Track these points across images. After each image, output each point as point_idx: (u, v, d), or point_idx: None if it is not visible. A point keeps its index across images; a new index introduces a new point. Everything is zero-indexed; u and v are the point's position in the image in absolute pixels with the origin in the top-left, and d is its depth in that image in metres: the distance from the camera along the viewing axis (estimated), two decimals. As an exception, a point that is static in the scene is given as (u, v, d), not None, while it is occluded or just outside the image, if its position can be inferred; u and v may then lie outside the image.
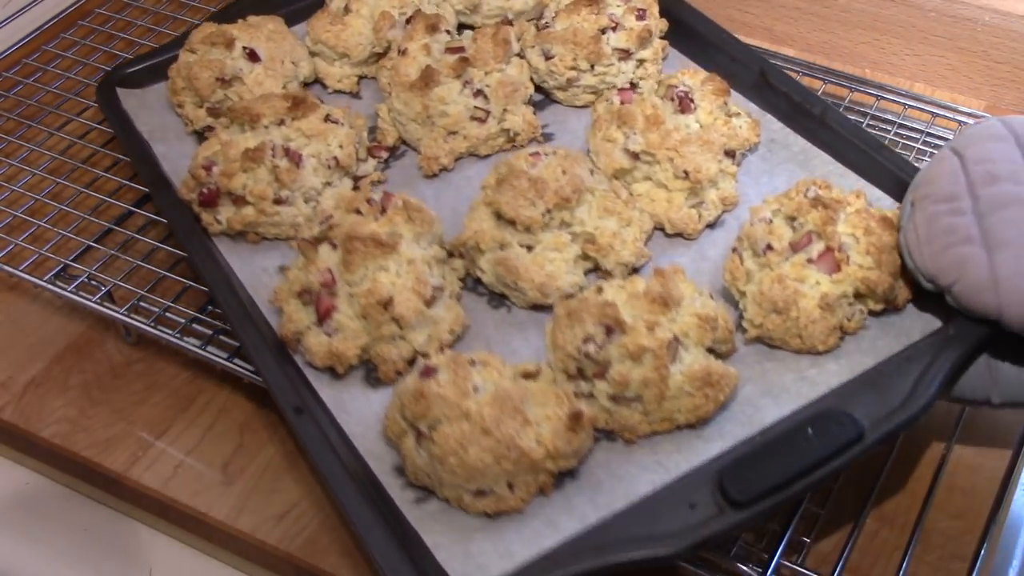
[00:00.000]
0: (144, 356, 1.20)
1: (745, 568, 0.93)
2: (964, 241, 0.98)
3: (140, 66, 1.37)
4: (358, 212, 1.09)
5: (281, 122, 1.20)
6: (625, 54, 1.26)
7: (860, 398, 0.94)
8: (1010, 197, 0.98)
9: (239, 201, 1.17)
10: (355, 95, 1.35)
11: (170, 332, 1.14)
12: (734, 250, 1.05)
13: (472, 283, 1.12)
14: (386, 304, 1.02)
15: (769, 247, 1.01)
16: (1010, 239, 0.97)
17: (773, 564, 0.93)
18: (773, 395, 0.98)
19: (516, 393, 0.93)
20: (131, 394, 1.17)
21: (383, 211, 1.09)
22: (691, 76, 1.18)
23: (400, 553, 0.89)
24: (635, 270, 1.10)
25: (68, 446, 1.12)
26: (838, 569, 0.95)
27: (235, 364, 1.10)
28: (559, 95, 1.29)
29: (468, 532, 0.93)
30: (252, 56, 1.30)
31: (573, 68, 1.26)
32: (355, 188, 1.22)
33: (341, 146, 1.20)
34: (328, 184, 1.19)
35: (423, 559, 0.90)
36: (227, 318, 1.08)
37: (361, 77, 1.36)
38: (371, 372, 1.06)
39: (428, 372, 0.96)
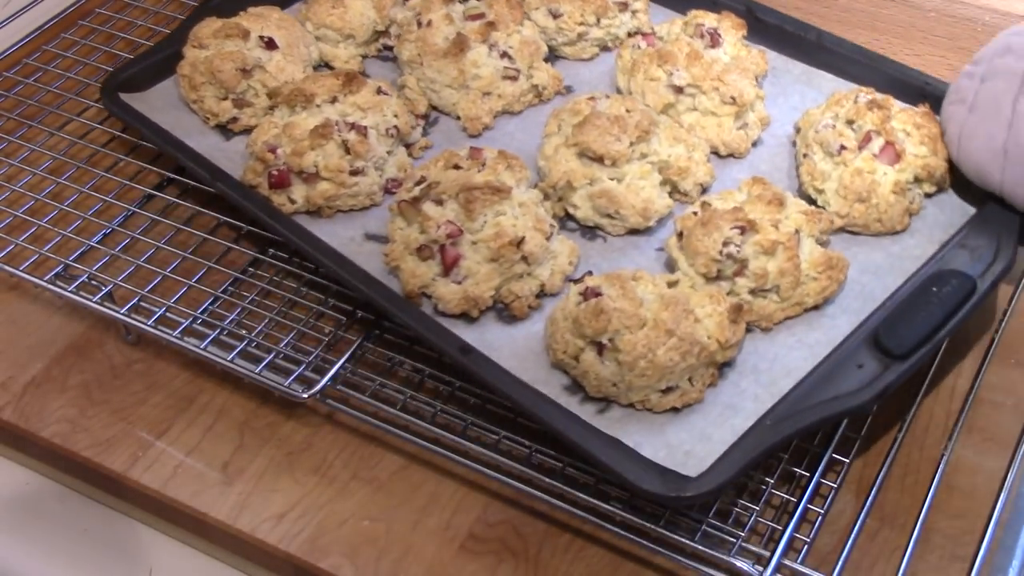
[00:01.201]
0: (144, 356, 1.20)
1: (745, 567, 0.97)
2: (959, 100, 1.15)
3: (138, 68, 1.37)
4: (456, 168, 1.16)
5: (334, 99, 1.24)
6: (623, 6, 1.38)
7: (956, 260, 1.10)
8: (1004, 69, 1.12)
9: (311, 178, 1.20)
10: (363, 74, 1.40)
11: (170, 332, 1.15)
12: (804, 155, 1.19)
13: (560, 221, 1.20)
14: (518, 243, 1.10)
15: (843, 147, 1.15)
16: (981, 104, 1.12)
17: (773, 562, 0.96)
18: (872, 272, 1.13)
19: (680, 297, 1.04)
20: (131, 394, 1.17)
21: (483, 164, 1.16)
22: (705, 16, 1.30)
23: (620, 455, 0.98)
24: (704, 189, 1.22)
25: (68, 446, 1.12)
26: (837, 569, 0.97)
27: (235, 364, 1.12)
28: (566, 51, 1.39)
29: (658, 427, 1.02)
30: (270, 44, 1.33)
31: (582, 23, 1.36)
32: (409, 155, 1.28)
33: (396, 115, 1.26)
34: (390, 152, 1.25)
35: (631, 458, 0.99)
36: (351, 284, 1.12)
37: (363, 56, 1.41)
38: (501, 311, 1.12)
39: (592, 292, 1.04)
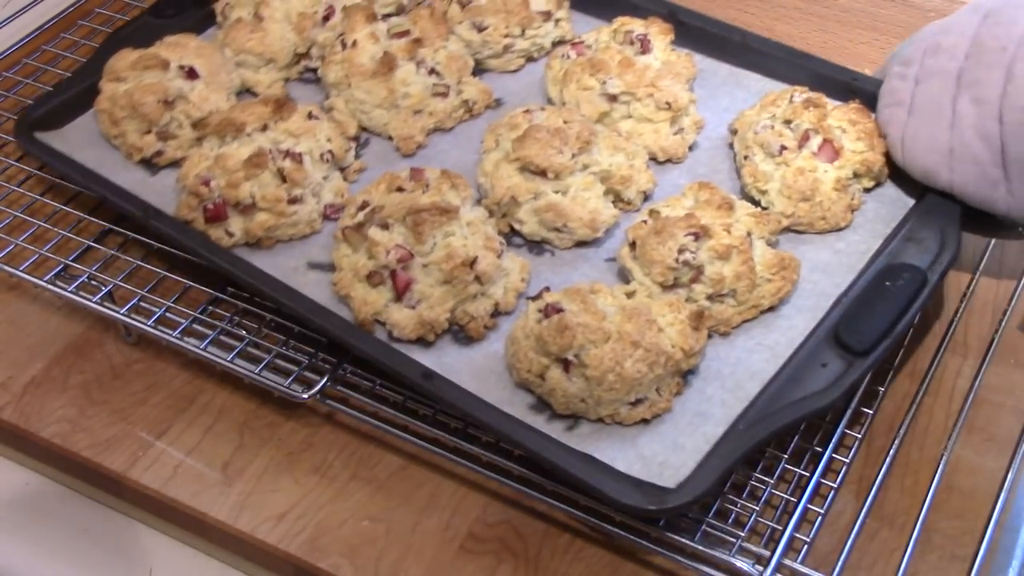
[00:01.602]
0: (144, 356, 1.20)
1: (746, 567, 0.97)
2: (896, 103, 1.17)
3: (52, 105, 1.32)
4: (399, 190, 1.14)
5: (264, 127, 1.21)
6: (547, 16, 1.37)
7: (904, 254, 1.11)
8: (938, 70, 1.14)
9: (248, 210, 1.18)
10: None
11: (170, 332, 1.15)
12: (745, 157, 1.19)
13: (506, 238, 1.19)
14: (471, 264, 1.08)
15: (783, 147, 1.16)
16: (920, 107, 1.14)
17: (773, 562, 0.96)
18: (821, 270, 1.14)
19: (642, 307, 1.03)
20: (131, 394, 1.17)
21: (427, 185, 1.14)
22: (632, 22, 1.30)
23: (595, 471, 0.97)
24: (647, 197, 1.22)
25: (68, 446, 1.12)
26: (837, 569, 0.97)
27: (235, 365, 1.12)
28: (492, 63, 1.38)
29: (630, 440, 1.01)
30: (191, 74, 1.29)
31: (507, 35, 1.35)
32: (344, 179, 1.25)
33: (330, 140, 1.23)
34: (325, 178, 1.22)
35: (607, 473, 0.98)
36: (303, 317, 1.10)
37: (285, 80, 1.38)
38: (457, 334, 1.11)
39: (554, 309, 1.03)
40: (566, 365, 1.01)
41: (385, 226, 1.11)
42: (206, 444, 1.12)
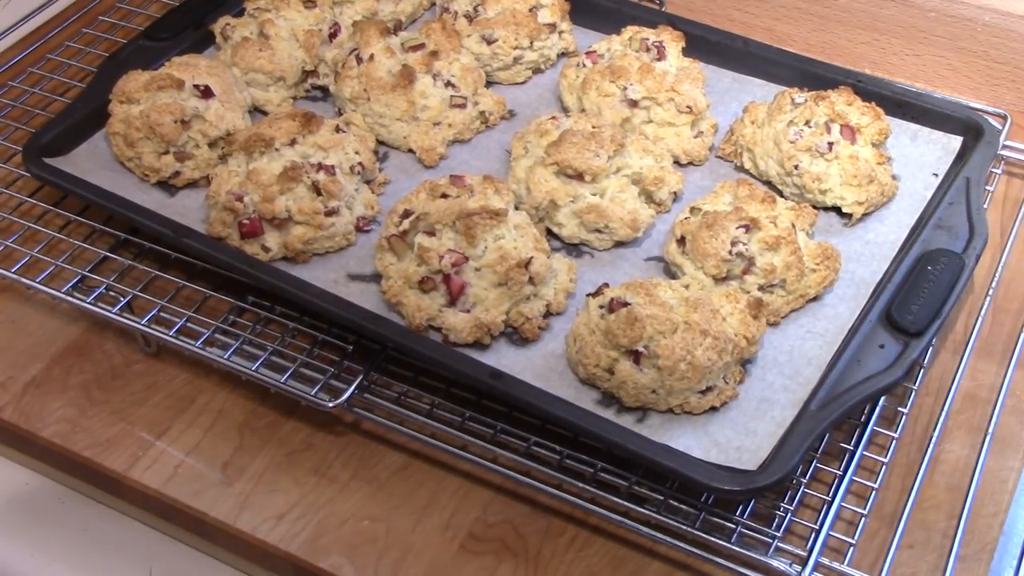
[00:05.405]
0: (144, 357, 1.20)
1: (783, 567, 0.97)
2: None
3: (58, 131, 1.28)
4: (444, 196, 1.15)
5: (293, 142, 1.20)
6: (552, 28, 1.39)
7: (939, 241, 1.15)
8: None
9: (284, 224, 1.17)
10: (297, 116, 1.36)
11: (193, 343, 1.14)
12: (796, 167, 1.21)
13: (542, 240, 1.20)
14: (526, 264, 1.09)
15: (830, 144, 1.19)
16: None
17: (812, 562, 0.97)
18: (855, 260, 1.17)
19: (704, 298, 1.05)
20: (131, 394, 1.17)
21: (471, 191, 1.15)
22: (644, 31, 1.33)
23: (679, 459, 0.99)
24: (676, 197, 1.24)
25: (68, 446, 1.12)
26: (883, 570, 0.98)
27: (261, 374, 1.11)
28: (501, 76, 1.39)
29: (701, 428, 1.03)
30: (206, 92, 1.28)
31: (516, 47, 1.37)
32: (371, 191, 1.25)
33: (357, 152, 1.23)
34: (357, 190, 1.22)
35: (690, 460, 1.00)
36: (358, 325, 1.10)
37: (293, 99, 1.38)
38: (511, 336, 1.11)
39: (619, 303, 1.04)
40: (636, 357, 1.02)
41: (432, 232, 1.11)
42: (206, 444, 1.12)
